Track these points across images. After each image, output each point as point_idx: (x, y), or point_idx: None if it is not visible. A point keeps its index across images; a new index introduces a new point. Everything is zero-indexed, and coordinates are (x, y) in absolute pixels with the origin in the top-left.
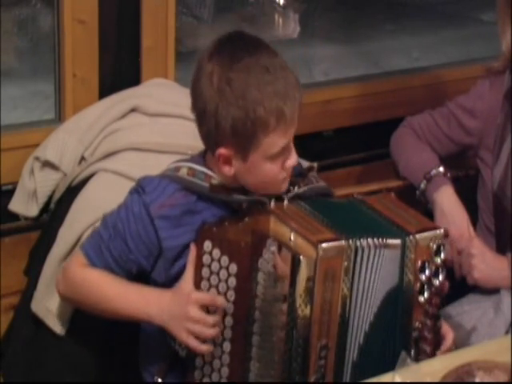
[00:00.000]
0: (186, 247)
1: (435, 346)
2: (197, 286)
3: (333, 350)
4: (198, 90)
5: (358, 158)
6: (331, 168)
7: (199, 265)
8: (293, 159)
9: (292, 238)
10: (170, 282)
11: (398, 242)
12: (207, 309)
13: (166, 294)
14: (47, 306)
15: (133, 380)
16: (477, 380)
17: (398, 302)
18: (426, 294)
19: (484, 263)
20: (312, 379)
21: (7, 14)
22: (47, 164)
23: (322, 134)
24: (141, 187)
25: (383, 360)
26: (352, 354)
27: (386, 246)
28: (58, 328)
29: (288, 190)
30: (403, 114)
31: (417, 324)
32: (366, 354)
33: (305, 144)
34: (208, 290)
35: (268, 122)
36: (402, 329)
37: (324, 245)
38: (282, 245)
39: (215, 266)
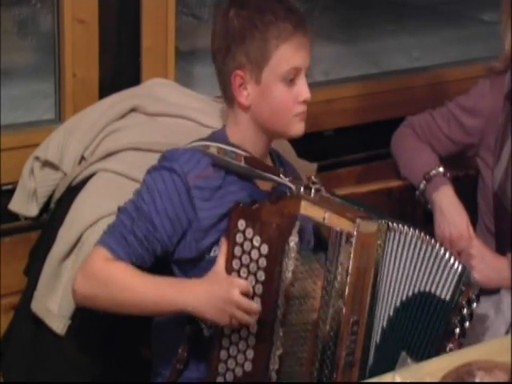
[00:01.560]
0: (218, 220)
1: None
2: (229, 263)
3: (362, 328)
4: (213, 31)
5: (358, 158)
6: (331, 168)
7: (232, 243)
8: (306, 93)
9: (326, 217)
10: (199, 256)
11: (458, 265)
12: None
13: (199, 282)
14: (47, 306)
15: (133, 379)
16: (477, 380)
17: (443, 317)
18: (458, 330)
19: (483, 264)
20: (344, 353)
21: (7, 13)
22: (47, 164)
23: (322, 134)
24: (170, 160)
25: (402, 351)
26: (376, 334)
27: (435, 249)
28: (58, 328)
29: (314, 181)
30: (403, 114)
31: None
32: (387, 338)
33: (305, 144)
34: (239, 268)
35: (277, 27)
36: (435, 349)
37: (361, 220)
38: (317, 221)
39: (247, 245)
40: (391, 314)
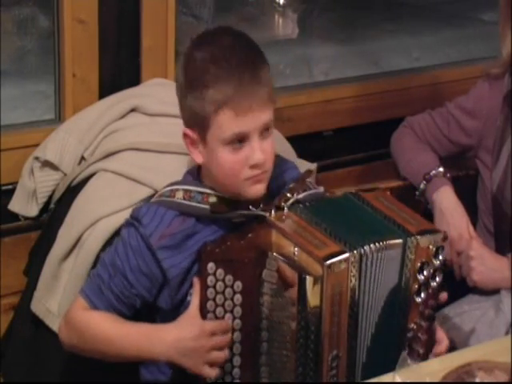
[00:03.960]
0: (190, 270)
1: (428, 348)
2: (203, 307)
3: (344, 358)
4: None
5: (358, 158)
6: (331, 168)
7: (204, 286)
8: (256, 157)
9: (296, 253)
10: (175, 307)
11: (399, 241)
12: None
13: (171, 330)
14: (47, 306)
15: (132, 380)
16: (477, 380)
17: (396, 301)
18: (422, 295)
19: (483, 265)
20: None
21: (7, 14)
22: (47, 164)
23: (322, 134)
24: (137, 219)
25: (390, 357)
26: (361, 356)
27: (389, 246)
28: (57, 328)
29: (286, 198)
30: (403, 114)
31: (412, 325)
32: (374, 353)
33: (305, 144)
34: (214, 309)
35: (215, 90)
36: (399, 329)
37: (330, 261)
38: (287, 262)
39: (220, 285)
40: (373, 331)
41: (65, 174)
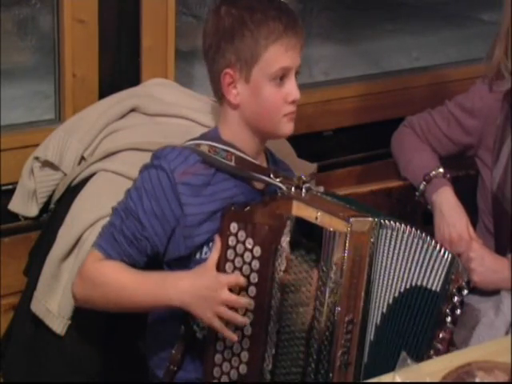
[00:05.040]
0: (206, 217)
1: None
2: (222, 267)
3: (357, 326)
4: (205, 29)
5: (357, 158)
6: (331, 168)
7: (224, 246)
8: (295, 93)
9: (318, 217)
10: (188, 255)
11: (448, 254)
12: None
13: (186, 276)
14: (47, 306)
15: (133, 379)
16: (477, 380)
17: (434, 308)
18: (450, 318)
19: (483, 266)
20: (339, 353)
21: (7, 14)
22: (47, 164)
23: (322, 134)
24: (159, 157)
25: (397, 347)
26: (370, 332)
27: (430, 243)
28: (57, 328)
29: (304, 180)
30: (403, 114)
31: (433, 343)
32: (382, 335)
33: (305, 144)
34: (232, 271)
35: (267, 27)
36: (422, 335)
37: (354, 219)
38: (309, 221)
39: (240, 248)
40: (384, 310)
41: (65, 174)
